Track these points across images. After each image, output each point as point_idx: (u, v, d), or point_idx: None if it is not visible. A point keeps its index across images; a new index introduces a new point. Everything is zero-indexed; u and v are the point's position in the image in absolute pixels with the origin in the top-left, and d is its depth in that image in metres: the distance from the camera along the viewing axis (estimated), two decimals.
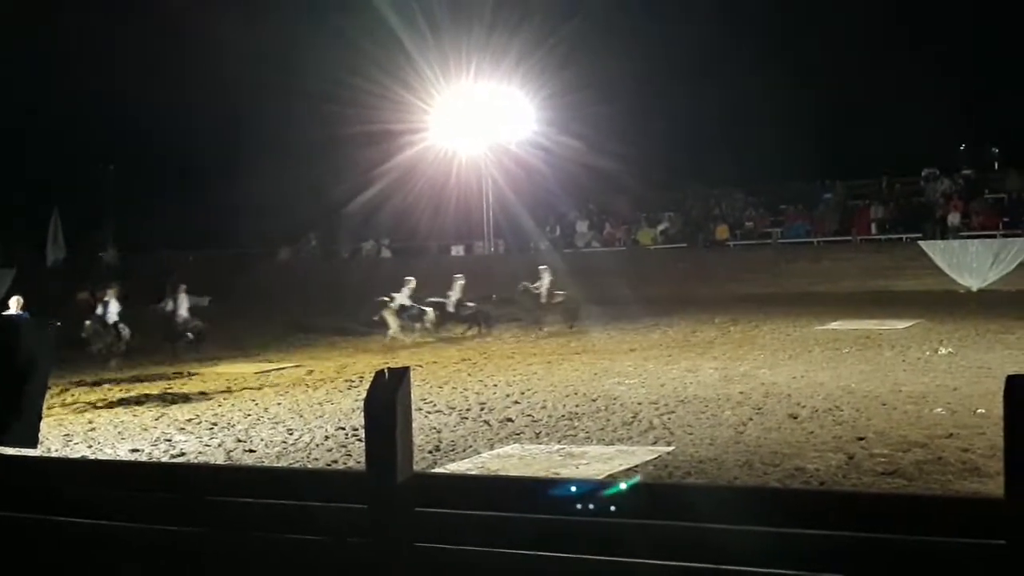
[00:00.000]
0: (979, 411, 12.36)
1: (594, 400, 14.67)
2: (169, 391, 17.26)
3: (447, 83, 35.80)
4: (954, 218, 33.27)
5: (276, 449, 12.25)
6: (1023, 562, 3.68)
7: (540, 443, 12.08)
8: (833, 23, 36.93)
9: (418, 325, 23.96)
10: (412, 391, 4.86)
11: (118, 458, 11.86)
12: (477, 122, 36.29)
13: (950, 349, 18.35)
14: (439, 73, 35.33)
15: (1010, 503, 3.76)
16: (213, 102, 37.85)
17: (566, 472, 10.33)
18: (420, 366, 18.49)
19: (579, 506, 4.47)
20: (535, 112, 36.79)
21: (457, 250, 39.74)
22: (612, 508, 4.46)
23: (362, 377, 17.24)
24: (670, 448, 11.35)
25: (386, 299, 24.46)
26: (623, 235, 38.60)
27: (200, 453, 12.29)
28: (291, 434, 13.10)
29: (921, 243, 31.94)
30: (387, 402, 4.69)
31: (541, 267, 26.69)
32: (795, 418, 12.80)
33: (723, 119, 37.56)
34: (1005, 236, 31.54)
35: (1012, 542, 3.71)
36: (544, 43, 34.18)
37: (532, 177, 35.55)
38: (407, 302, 24.06)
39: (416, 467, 8.51)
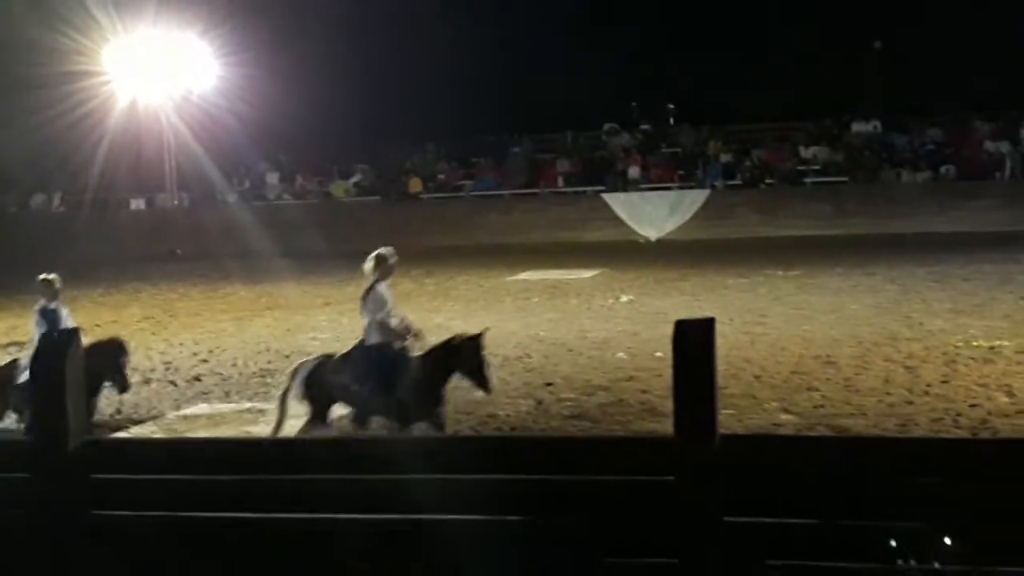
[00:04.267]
0: (657, 354, 13.06)
1: (287, 356, 14.39)
2: None
3: (124, 27, 33.77)
4: (634, 171, 34.91)
5: None
6: (689, 496, 3.88)
7: (230, 402, 11.77)
8: None
9: None
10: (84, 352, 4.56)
11: None
12: (157, 69, 34.47)
13: (631, 296, 19.32)
14: (114, 16, 33.24)
15: (678, 441, 3.94)
16: None
17: (257, 430, 10.11)
18: (98, 326, 17.48)
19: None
20: (219, 60, 35.38)
21: (137, 203, 37.79)
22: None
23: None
24: None
25: None
26: (315, 187, 38.02)
27: None
28: None
29: (604, 195, 33.40)
30: (55, 365, 4.38)
31: None
32: None
33: (411, 71, 37.58)
34: (681, 188, 33.50)
35: (680, 477, 3.90)
36: None
37: (217, 127, 34.18)
38: None
39: (96, 433, 8.01)
